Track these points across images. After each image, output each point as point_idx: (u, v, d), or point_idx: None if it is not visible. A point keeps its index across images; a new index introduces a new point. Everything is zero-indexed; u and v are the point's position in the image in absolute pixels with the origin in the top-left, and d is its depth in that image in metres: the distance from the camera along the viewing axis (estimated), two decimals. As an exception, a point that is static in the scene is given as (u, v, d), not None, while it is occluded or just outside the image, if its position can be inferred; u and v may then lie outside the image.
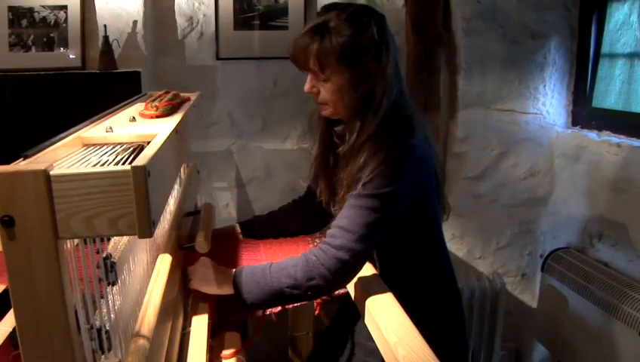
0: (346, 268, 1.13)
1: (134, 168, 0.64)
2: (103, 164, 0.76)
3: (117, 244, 0.89)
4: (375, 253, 1.33)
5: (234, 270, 1.20)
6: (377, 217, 1.13)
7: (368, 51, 1.17)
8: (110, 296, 0.81)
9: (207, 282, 1.21)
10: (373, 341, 1.11)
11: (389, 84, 1.18)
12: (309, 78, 1.25)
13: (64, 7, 1.96)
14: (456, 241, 2.33)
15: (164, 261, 1.13)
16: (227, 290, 1.18)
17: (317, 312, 1.30)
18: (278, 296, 1.15)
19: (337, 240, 1.12)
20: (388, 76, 1.18)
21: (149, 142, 0.85)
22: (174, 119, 1.11)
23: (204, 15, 2.13)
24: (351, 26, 1.15)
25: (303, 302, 1.23)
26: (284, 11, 2.15)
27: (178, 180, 1.50)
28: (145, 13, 1.98)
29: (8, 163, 0.65)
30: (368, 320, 1.15)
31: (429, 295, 1.34)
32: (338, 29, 1.15)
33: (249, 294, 1.15)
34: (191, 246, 1.29)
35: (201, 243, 1.27)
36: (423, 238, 1.33)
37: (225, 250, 1.44)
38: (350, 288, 1.29)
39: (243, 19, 2.14)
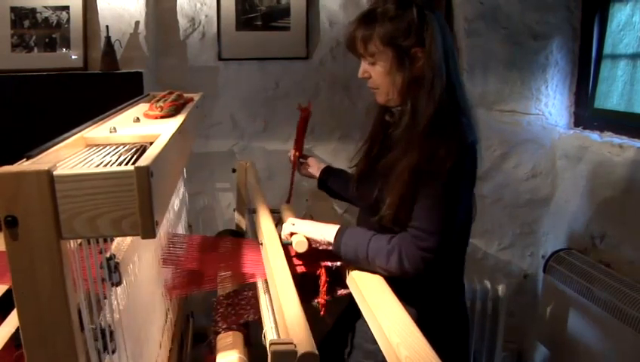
0: (429, 265, 1.21)
1: (138, 169, 0.64)
2: (106, 165, 0.76)
3: (120, 245, 0.89)
4: None
5: (337, 226, 1.33)
6: (452, 214, 1.20)
7: (409, 33, 1.21)
8: (114, 296, 0.81)
9: (312, 230, 1.34)
10: (374, 342, 1.11)
11: (437, 67, 1.21)
12: (362, 63, 1.30)
13: (66, 8, 1.97)
14: (458, 242, 2.33)
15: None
16: (327, 239, 1.32)
17: (322, 313, 1.30)
18: (368, 266, 1.27)
19: (424, 242, 1.19)
20: (435, 59, 1.20)
21: (152, 143, 0.84)
22: (178, 120, 1.11)
23: (206, 16, 2.13)
24: (393, 10, 1.21)
25: None
26: (286, 12, 2.15)
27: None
28: (147, 13, 1.99)
29: (11, 163, 0.65)
30: (371, 321, 1.15)
31: (434, 295, 1.34)
32: (382, 13, 1.22)
33: (345, 253, 1.29)
34: (289, 243, 1.34)
35: (300, 243, 1.32)
36: (463, 235, 1.35)
37: (227, 250, 1.44)
38: (353, 289, 1.28)
39: (245, 19, 2.14)
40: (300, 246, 1.32)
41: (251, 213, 1.65)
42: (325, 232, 1.32)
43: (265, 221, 1.44)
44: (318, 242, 1.35)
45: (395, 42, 1.21)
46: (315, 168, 1.72)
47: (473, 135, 1.22)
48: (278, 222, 1.55)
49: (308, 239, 1.33)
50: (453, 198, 1.20)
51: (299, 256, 1.36)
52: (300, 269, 1.35)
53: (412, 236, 1.20)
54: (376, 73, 1.26)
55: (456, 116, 1.22)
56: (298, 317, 0.85)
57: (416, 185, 1.20)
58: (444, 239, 1.19)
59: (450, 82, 1.23)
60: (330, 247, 1.32)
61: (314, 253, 1.35)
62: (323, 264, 1.34)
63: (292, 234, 1.35)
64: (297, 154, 1.74)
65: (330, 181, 1.67)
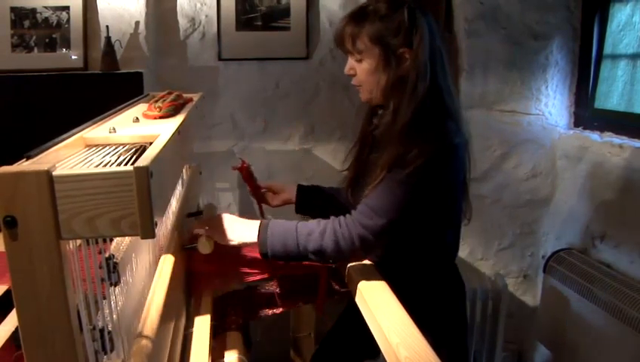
0: (369, 246, 1.21)
1: (137, 169, 0.64)
2: (105, 165, 0.76)
3: (119, 245, 0.89)
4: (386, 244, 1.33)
5: (259, 222, 1.25)
6: (407, 204, 1.19)
7: (398, 33, 1.21)
8: (113, 297, 0.81)
9: (225, 232, 1.24)
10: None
11: (422, 69, 1.21)
12: (349, 59, 1.30)
13: (66, 8, 1.97)
14: (458, 242, 2.33)
15: (167, 261, 1.13)
16: (247, 239, 1.24)
17: (319, 313, 1.30)
18: (300, 256, 1.22)
19: (365, 219, 1.18)
20: (421, 61, 1.21)
21: (151, 143, 0.84)
22: (177, 120, 1.11)
23: (206, 16, 2.13)
24: (385, 9, 1.22)
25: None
26: (286, 12, 2.15)
27: (180, 181, 1.50)
28: (147, 14, 1.98)
29: (11, 163, 0.65)
30: (370, 322, 1.15)
31: (433, 295, 1.34)
32: (373, 12, 1.22)
33: (272, 249, 1.21)
34: (193, 247, 1.29)
35: (204, 244, 1.27)
36: (439, 236, 1.34)
37: (226, 250, 1.44)
38: (353, 289, 1.28)
39: (245, 20, 2.14)
40: (204, 248, 1.27)
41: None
42: (245, 232, 1.25)
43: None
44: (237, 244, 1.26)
45: (384, 41, 1.22)
46: (286, 193, 1.62)
47: (460, 138, 1.22)
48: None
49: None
50: (413, 190, 1.18)
51: (251, 263, 1.34)
52: (252, 278, 1.33)
53: (357, 213, 1.20)
54: (362, 70, 1.27)
55: (440, 119, 1.22)
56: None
57: None
58: (391, 225, 1.18)
59: (437, 85, 1.23)
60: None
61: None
62: (323, 264, 1.33)
63: (199, 235, 1.27)
64: (260, 202, 1.65)
65: (310, 200, 1.59)
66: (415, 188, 1.18)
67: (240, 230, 1.26)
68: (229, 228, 1.27)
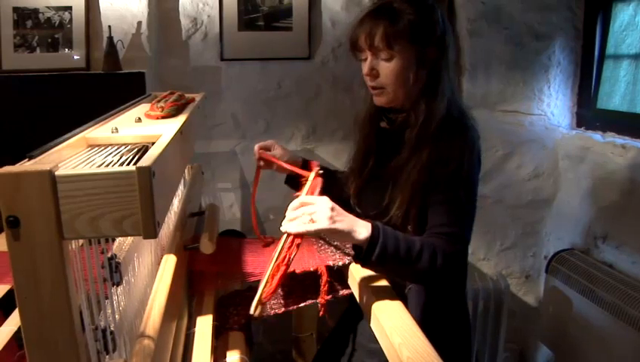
0: (461, 263, 1.25)
1: (139, 169, 0.64)
2: (107, 165, 0.76)
3: (122, 245, 0.89)
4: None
5: (370, 226, 1.08)
6: (474, 213, 1.24)
7: (434, 32, 1.20)
8: (115, 297, 0.81)
9: (345, 222, 1.06)
10: (375, 342, 1.11)
11: (451, 68, 1.22)
12: (368, 60, 1.24)
13: (69, 8, 1.97)
14: (460, 242, 2.33)
15: (169, 261, 1.13)
16: (353, 239, 1.08)
17: (321, 313, 1.30)
18: (405, 274, 1.19)
19: (457, 245, 1.19)
20: (450, 60, 1.22)
21: (153, 143, 0.84)
22: (179, 120, 1.11)
23: (209, 16, 2.13)
24: (417, 7, 1.19)
25: None
26: (288, 12, 2.15)
27: (182, 181, 1.50)
28: (149, 14, 1.99)
29: (13, 163, 0.65)
30: (372, 322, 1.14)
31: (436, 295, 1.34)
32: (404, 10, 1.19)
33: (380, 262, 1.09)
34: (195, 247, 1.29)
35: (206, 244, 1.27)
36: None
37: (228, 250, 1.44)
38: (355, 289, 1.28)
39: (247, 20, 2.14)
40: (206, 248, 1.26)
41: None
42: (360, 231, 1.07)
43: None
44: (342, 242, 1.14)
45: (422, 39, 1.19)
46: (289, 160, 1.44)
47: (476, 133, 1.24)
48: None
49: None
50: (473, 197, 1.22)
51: (253, 263, 1.34)
52: (254, 278, 1.31)
53: (446, 241, 1.19)
54: (390, 70, 1.21)
55: (461, 116, 1.24)
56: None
57: (426, 184, 1.20)
58: (470, 236, 1.23)
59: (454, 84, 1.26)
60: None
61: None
62: (324, 263, 1.33)
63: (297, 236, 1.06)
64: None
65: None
66: (473, 194, 1.22)
67: (353, 228, 1.07)
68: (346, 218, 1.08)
